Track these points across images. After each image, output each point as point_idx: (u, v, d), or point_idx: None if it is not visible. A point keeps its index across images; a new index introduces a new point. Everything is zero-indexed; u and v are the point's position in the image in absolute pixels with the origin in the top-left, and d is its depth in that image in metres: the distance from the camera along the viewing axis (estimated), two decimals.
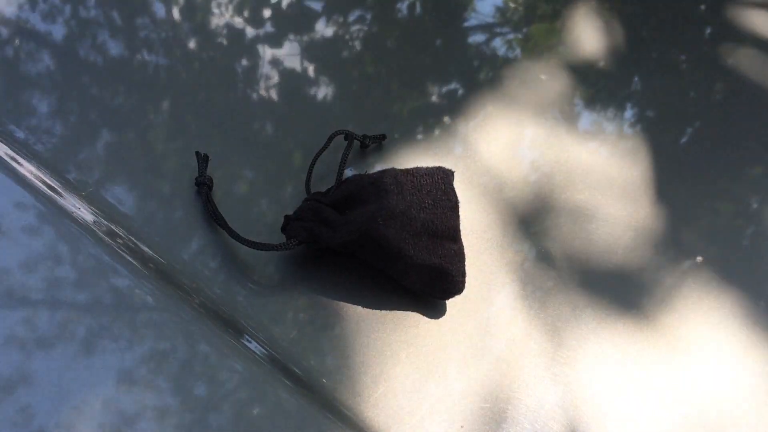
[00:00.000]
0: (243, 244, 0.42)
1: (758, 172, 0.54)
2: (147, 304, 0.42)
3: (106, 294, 0.42)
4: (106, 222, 0.44)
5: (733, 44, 0.60)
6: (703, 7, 0.63)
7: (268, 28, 0.56)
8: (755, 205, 0.52)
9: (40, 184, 0.45)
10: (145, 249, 0.44)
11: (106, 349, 0.40)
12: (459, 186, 0.44)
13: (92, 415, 0.38)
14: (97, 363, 0.39)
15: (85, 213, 0.44)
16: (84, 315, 0.41)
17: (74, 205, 0.45)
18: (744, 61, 0.59)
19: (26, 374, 0.38)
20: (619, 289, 0.46)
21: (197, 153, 0.47)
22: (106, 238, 0.44)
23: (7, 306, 0.40)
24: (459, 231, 0.42)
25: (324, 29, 0.57)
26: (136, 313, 0.41)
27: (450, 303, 0.44)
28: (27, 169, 0.46)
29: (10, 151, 0.46)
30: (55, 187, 0.45)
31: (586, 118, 0.54)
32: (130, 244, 0.44)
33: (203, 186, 0.45)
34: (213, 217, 0.44)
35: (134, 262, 0.43)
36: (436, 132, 0.52)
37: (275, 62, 0.54)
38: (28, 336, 0.40)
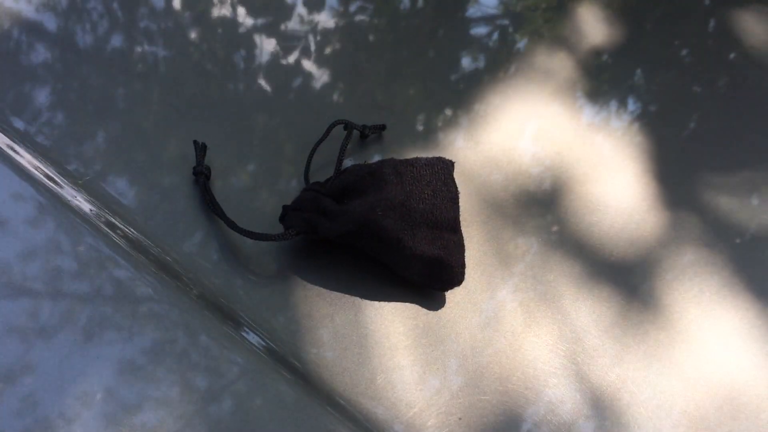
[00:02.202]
0: (241, 234, 0.42)
1: (761, 165, 0.53)
2: (146, 295, 0.41)
3: (106, 285, 0.42)
4: (105, 213, 0.44)
5: (736, 37, 0.60)
6: (706, 0, 0.63)
7: (268, 17, 0.56)
8: (756, 199, 0.51)
9: (39, 175, 0.45)
10: (144, 240, 0.44)
11: (107, 339, 0.40)
12: (459, 177, 0.44)
13: (94, 404, 0.38)
14: (97, 353, 0.39)
15: (84, 204, 0.44)
16: (84, 306, 0.41)
17: (73, 196, 0.45)
18: (747, 54, 0.59)
19: (28, 364, 0.38)
20: (621, 282, 0.46)
21: (195, 142, 0.47)
22: (106, 229, 0.44)
23: (7, 296, 0.40)
24: (459, 222, 0.42)
25: (325, 19, 0.56)
26: (136, 304, 0.41)
27: (449, 295, 0.44)
28: (26, 159, 0.46)
29: (9, 142, 0.46)
30: (55, 177, 0.45)
31: (589, 111, 0.54)
32: (130, 235, 0.44)
33: (200, 175, 0.45)
34: (210, 207, 0.44)
35: (133, 253, 0.43)
36: (437, 123, 0.52)
37: (275, 52, 0.54)
38: (29, 326, 0.40)
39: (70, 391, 0.38)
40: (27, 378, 0.38)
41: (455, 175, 0.43)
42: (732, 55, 0.59)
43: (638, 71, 0.57)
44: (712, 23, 0.61)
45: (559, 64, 0.56)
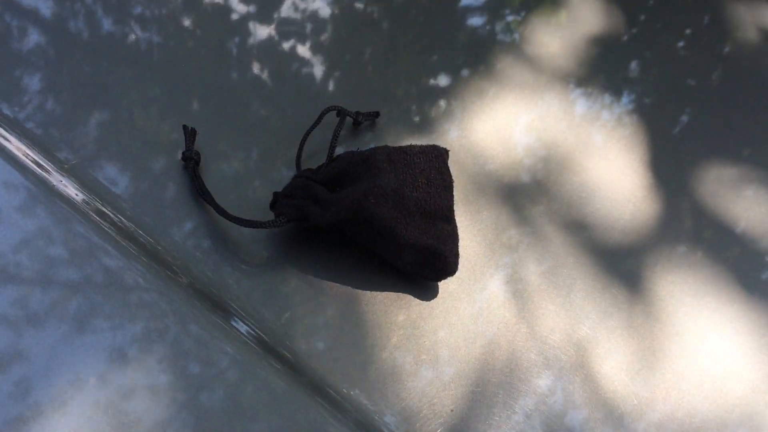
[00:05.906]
0: (230, 220, 0.42)
1: (755, 157, 0.53)
2: (136, 284, 0.41)
3: (96, 273, 0.41)
4: (95, 200, 0.44)
5: (731, 30, 0.60)
6: None
7: (261, 4, 0.55)
8: (751, 191, 0.51)
9: (29, 163, 0.45)
10: (134, 228, 0.43)
11: (97, 327, 0.39)
12: (453, 167, 0.43)
13: (85, 391, 0.37)
14: (88, 341, 0.39)
15: (73, 191, 0.44)
16: (74, 294, 0.40)
17: (63, 184, 0.44)
18: (742, 47, 0.59)
19: (19, 351, 0.38)
20: (614, 273, 0.46)
21: (184, 127, 0.46)
22: (95, 217, 0.43)
23: None
24: (453, 211, 0.42)
25: (319, 6, 0.56)
26: (126, 292, 0.41)
27: (442, 285, 0.44)
28: (16, 146, 0.45)
29: None
30: (45, 165, 0.45)
31: (583, 102, 0.54)
32: (119, 223, 0.43)
33: (190, 161, 0.45)
34: (200, 193, 0.43)
35: (123, 242, 0.43)
36: (431, 112, 0.51)
37: (268, 39, 0.54)
38: (20, 314, 0.39)
39: (61, 378, 0.38)
40: (18, 365, 0.38)
41: (449, 164, 0.43)
42: (726, 48, 0.59)
43: (632, 63, 0.57)
44: (706, 15, 0.61)
45: (554, 55, 0.56)
